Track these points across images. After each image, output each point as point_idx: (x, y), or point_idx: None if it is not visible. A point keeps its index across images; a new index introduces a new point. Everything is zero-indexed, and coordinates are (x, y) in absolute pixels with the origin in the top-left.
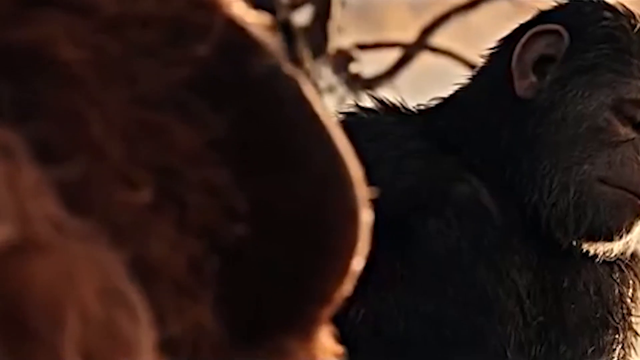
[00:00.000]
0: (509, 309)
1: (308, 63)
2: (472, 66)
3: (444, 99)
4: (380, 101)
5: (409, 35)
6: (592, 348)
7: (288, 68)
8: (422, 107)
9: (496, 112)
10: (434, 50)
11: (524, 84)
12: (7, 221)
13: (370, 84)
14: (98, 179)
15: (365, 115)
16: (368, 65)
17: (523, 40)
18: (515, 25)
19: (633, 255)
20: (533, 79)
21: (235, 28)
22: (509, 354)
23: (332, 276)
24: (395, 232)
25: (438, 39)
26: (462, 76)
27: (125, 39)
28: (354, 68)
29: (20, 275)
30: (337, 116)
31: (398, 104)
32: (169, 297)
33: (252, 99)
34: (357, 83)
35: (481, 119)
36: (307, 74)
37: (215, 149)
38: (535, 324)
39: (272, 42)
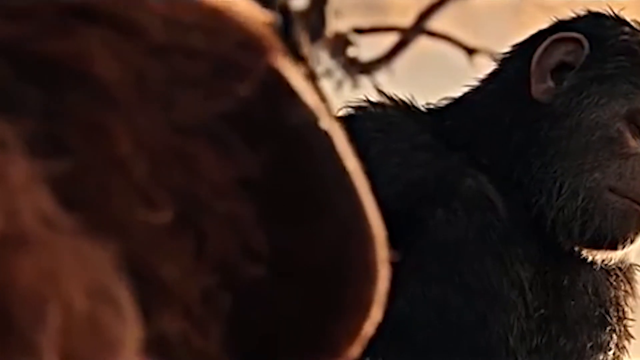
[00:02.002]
0: (512, 299)
1: (306, 47)
2: (469, 51)
3: (452, 99)
4: (389, 97)
5: (410, 19)
6: (591, 344)
7: (324, 122)
8: (431, 107)
9: (509, 114)
10: (432, 34)
11: (541, 88)
12: None
13: (367, 68)
14: (116, 190)
15: (374, 109)
16: (365, 49)
17: (544, 45)
18: (534, 31)
19: (629, 264)
20: (551, 83)
21: (278, 76)
22: (511, 341)
23: (343, 333)
24: (403, 222)
25: (436, 23)
26: (468, 73)
27: (168, 66)
28: (351, 52)
29: (3, 269)
30: (346, 109)
31: (407, 101)
32: (176, 322)
33: (286, 145)
34: (355, 67)
35: (492, 119)
36: (305, 58)
37: (243, 186)
38: (536, 315)
39: (313, 94)
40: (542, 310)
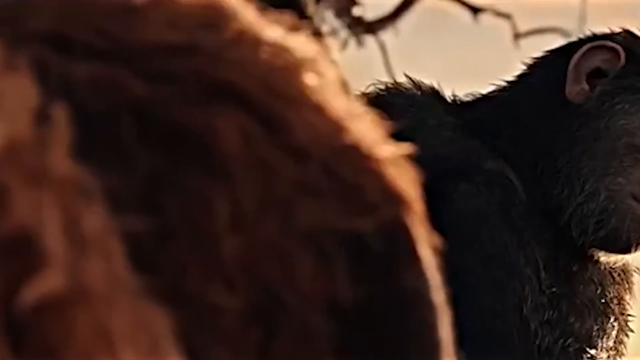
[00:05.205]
0: (527, 273)
1: (311, 6)
2: (474, 10)
3: (479, 94)
4: (415, 82)
5: None
6: (597, 327)
7: (436, 296)
8: (456, 99)
9: (539, 110)
10: None
11: (575, 89)
12: (55, 270)
13: (372, 27)
14: (196, 261)
15: (404, 90)
16: (371, 8)
17: (583, 49)
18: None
19: (631, 268)
20: (585, 86)
21: (406, 233)
22: (525, 310)
23: None
24: (427, 193)
25: None
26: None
27: (301, 170)
28: (356, 11)
29: (61, 323)
30: (373, 91)
31: (433, 88)
32: None
33: (390, 297)
34: (360, 26)
35: (520, 114)
36: (310, 18)
37: (330, 307)
38: (548, 292)
39: (430, 259)
40: (554, 289)
